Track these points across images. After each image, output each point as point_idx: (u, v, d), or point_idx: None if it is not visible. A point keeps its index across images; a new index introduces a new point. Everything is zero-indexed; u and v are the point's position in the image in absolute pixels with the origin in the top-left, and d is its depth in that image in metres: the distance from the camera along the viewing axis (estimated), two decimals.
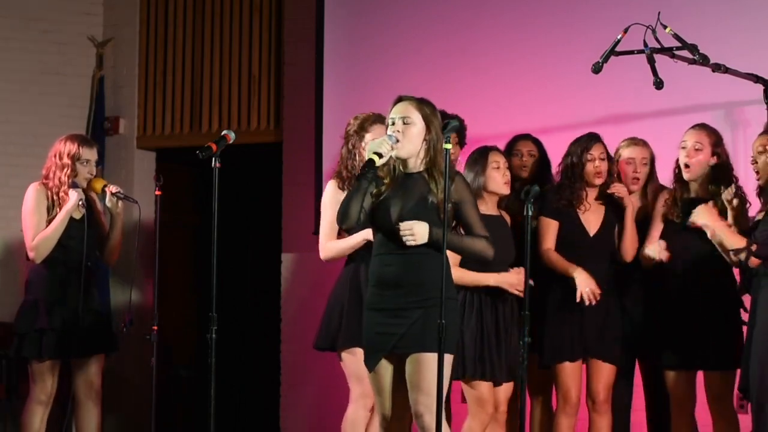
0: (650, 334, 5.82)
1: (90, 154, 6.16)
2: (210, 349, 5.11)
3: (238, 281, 8.89)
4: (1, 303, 8.15)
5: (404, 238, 4.77)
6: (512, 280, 5.58)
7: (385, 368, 4.90)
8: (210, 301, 5.13)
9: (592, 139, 5.87)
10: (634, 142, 6.02)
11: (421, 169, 4.89)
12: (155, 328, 5.86)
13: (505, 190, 5.72)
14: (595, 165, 5.82)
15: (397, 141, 4.83)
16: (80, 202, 6.06)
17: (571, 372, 5.79)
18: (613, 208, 5.89)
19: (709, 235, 5.47)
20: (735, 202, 5.43)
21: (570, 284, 5.73)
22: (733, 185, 5.52)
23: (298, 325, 7.88)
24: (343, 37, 7.74)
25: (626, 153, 5.98)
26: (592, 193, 5.88)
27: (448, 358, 4.76)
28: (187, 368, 8.81)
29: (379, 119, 5.63)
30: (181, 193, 8.64)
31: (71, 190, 6.05)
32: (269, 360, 8.28)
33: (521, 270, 5.55)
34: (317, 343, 5.81)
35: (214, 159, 5.10)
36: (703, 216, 5.47)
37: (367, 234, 5.44)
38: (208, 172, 5.09)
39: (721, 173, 5.66)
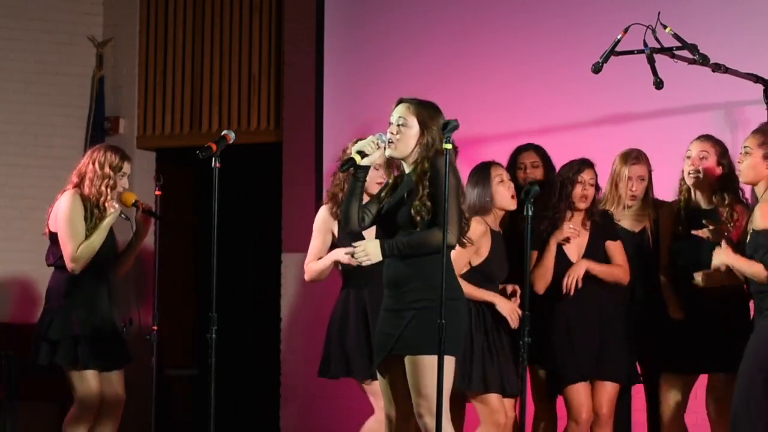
0: (653, 338, 5.80)
1: (128, 167, 6.15)
2: (210, 349, 5.12)
3: (238, 281, 8.88)
4: (1, 303, 8.16)
5: (359, 260, 4.83)
6: (506, 307, 5.55)
7: (389, 368, 4.90)
8: (210, 301, 5.14)
9: (585, 163, 5.81)
10: (633, 160, 5.90)
11: (414, 170, 4.88)
12: (155, 328, 5.85)
13: (512, 206, 5.64)
14: (583, 188, 5.77)
15: (390, 142, 4.84)
16: (121, 215, 6.04)
17: (582, 391, 5.75)
18: (599, 230, 5.82)
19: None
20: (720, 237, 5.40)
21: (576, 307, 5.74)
22: (718, 223, 5.45)
23: (298, 325, 7.88)
24: (343, 37, 7.74)
25: (624, 172, 5.87)
26: (577, 218, 5.81)
27: (449, 360, 4.73)
28: (187, 368, 8.81)
29: None
30: (181, 193, 8.63)
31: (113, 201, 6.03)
32: (269, 360, 8.27)
33: (517, 300, 5.59)
34: (332, 372, 5.72)
35: (214, 159, 5.10)
36: (720, 258, 5.37)
37: (336, 255, 5.53)
38: (208, 172, 5.10)
39: (727, 184, 5.64)
